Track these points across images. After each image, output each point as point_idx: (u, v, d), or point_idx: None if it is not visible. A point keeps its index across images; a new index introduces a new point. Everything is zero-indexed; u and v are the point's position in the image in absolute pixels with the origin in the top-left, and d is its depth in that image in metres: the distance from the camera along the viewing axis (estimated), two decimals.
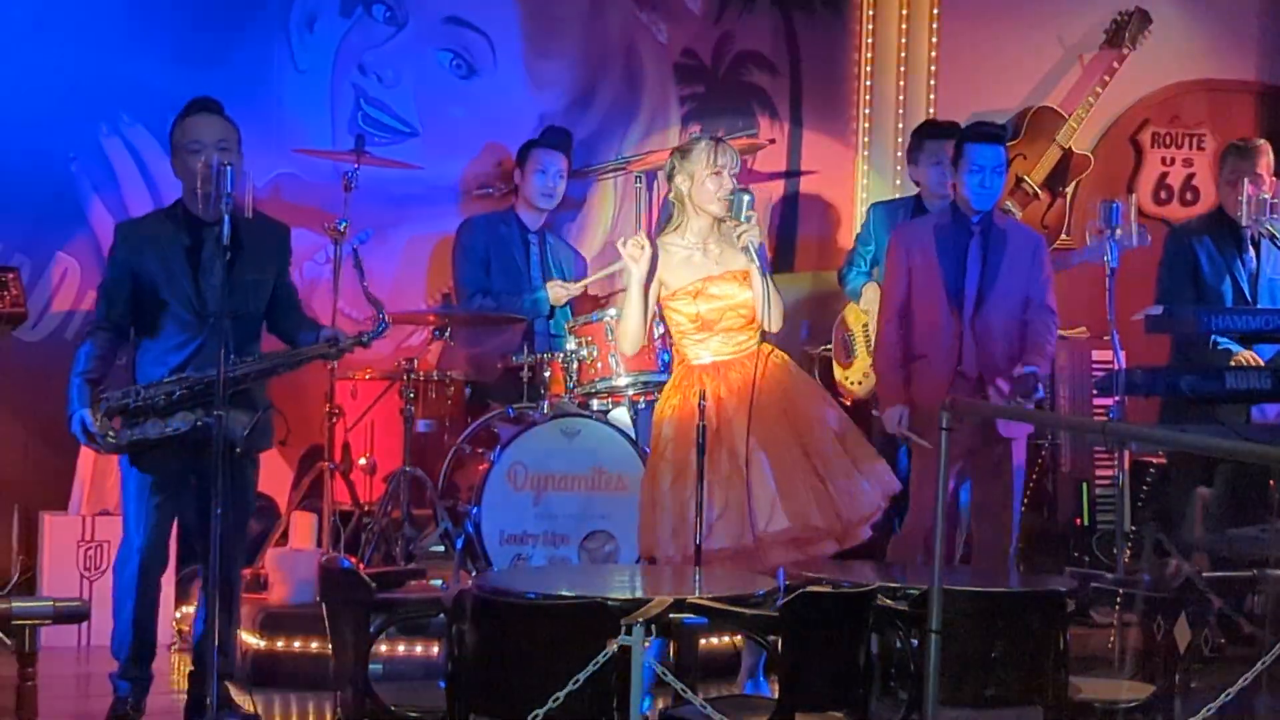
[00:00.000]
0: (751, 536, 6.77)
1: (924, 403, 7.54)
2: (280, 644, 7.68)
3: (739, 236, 6.89)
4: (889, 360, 7.69)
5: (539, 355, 8.41)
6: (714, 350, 7.03)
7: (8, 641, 7.33)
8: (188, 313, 6.76)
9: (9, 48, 8.77)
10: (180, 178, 6.86)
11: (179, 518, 6.95)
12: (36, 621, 6.32)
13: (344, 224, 8.30)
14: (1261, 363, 7.99)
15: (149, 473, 6.75)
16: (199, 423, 6.56)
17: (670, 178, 7.04)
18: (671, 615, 5.59)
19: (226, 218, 6.37)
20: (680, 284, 6.98)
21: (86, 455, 8.26)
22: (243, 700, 6.89)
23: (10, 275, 8.40)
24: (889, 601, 5.76)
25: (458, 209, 9.52)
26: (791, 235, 10.09)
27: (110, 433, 6.63)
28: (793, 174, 10.08)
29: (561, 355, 8.28)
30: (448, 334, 8.70)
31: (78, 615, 6.58)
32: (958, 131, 7.99)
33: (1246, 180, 8.21)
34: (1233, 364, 7.92)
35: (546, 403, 8.20)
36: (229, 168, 6.44)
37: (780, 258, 9.90)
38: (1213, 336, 8.17)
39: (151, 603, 6.88)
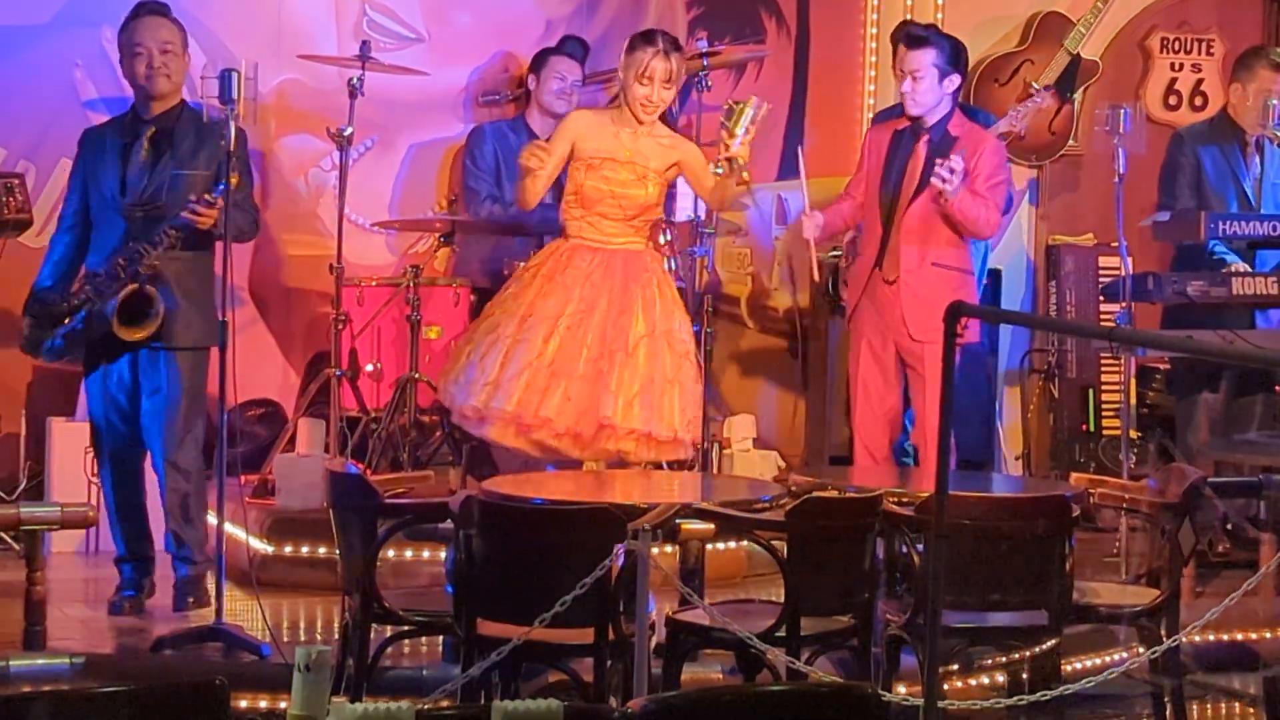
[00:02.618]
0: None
1: (850, 299, 7.85)
2: (288, 549, 7.71)
3: (724, 148, 6.98)
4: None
5: None
6: (586, 234, 7.24)
7: (16, 546, 7.39)
8: (111, 209, 7.17)
9: None
10: (127, 79, 7.32)
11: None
12: (44, 526, 6.37)
13: (349, 130, 8.27)
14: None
15: (85, 368, 7.25)
16: (90, 316, 6.98)
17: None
18: (679, 520, 5.62)
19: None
20: (584, 153, 7.21)
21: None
22: (251, 604, 6.94)
23: (16, 181, 8.40)
24: (895, 506, 5.78)
25: (465, 116, 9.48)
26: (798, 143, 10.05)
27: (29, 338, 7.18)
28: (799, 81, 10.03)
29: None
30: (453, 239, 8.68)
31: (84, 520, 6.62)
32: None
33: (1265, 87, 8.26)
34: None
35: None
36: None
37: (787, 165, 9.87)
38: (1210, 244, 8.19)
39: (122, 486, 7.27)
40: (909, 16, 9.68)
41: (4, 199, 8.32)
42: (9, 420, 8.51)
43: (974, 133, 7.81)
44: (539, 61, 9.07)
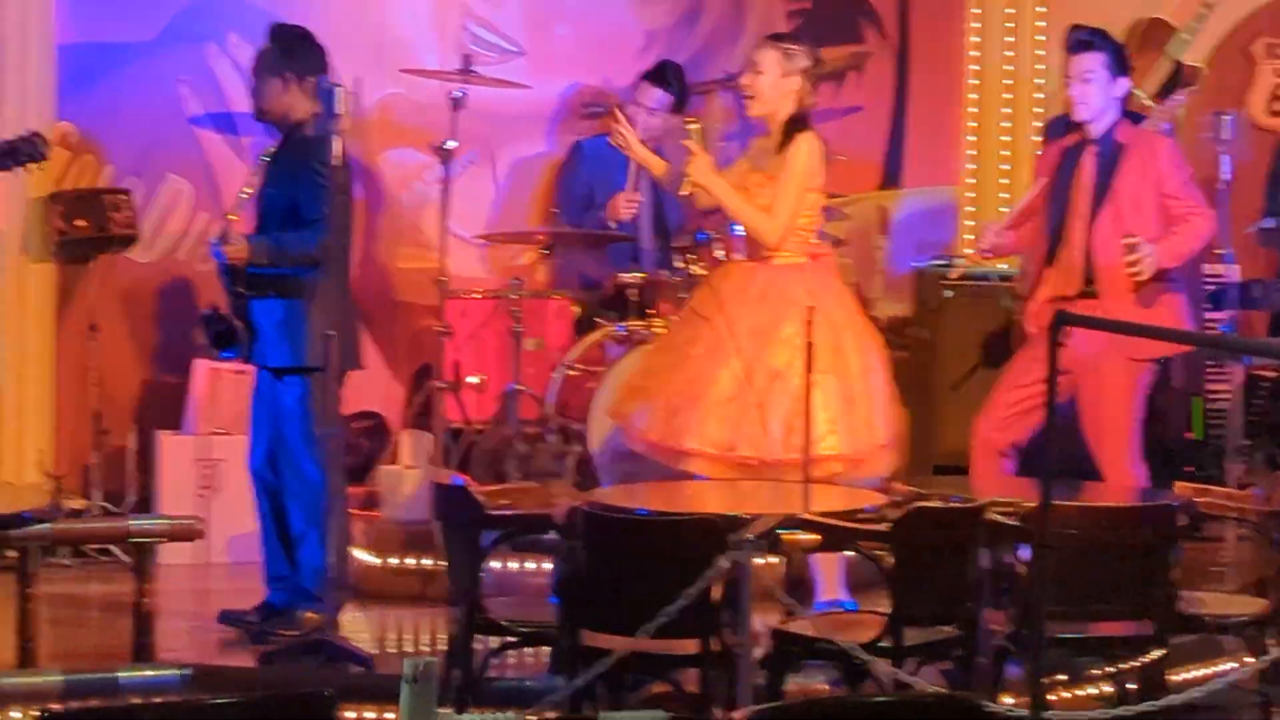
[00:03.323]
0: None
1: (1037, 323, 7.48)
2: (394, 561, 7.76)
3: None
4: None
5: (648, 273, 8.46)
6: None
7: (126, 559, 7.48)
8: None
9: None
10: None
11: None
12: (153, 539, 6.44)
13: (451, 144, 8.31)
14: None
15: None
16: None
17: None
18: (780, 530, 5.61)
19: None
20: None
21: (201, 375, 8.35)
22: (359, 616, 6.99)
23: (123, 198, 8.52)
24: (999, 516, 5.76)
25: (564, 128, 9.51)
26: (899, 151, 10.03)
27: None
28: (899, 90, 10.00)
29: (670, 273, 8.30)
30: (555, 252, 8.72)
31: (192, 533, 6.69)
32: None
33: None
34: None
35: (655, 321, 8.22)
36: None
37: (889, 172, 9.87)
38: None
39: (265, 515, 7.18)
40: (1009, 25, 9.64)
41: (111, 214, 8.45)
42: (118, 434, 8.59)
43: (1142, 137, 7.55)
44: (636, 82, 9.10)
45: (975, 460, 7.39)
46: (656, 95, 9.00)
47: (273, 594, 7.24)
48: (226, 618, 7.28)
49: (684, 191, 7.23)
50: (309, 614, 7.01)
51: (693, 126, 7.19)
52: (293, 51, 7.24)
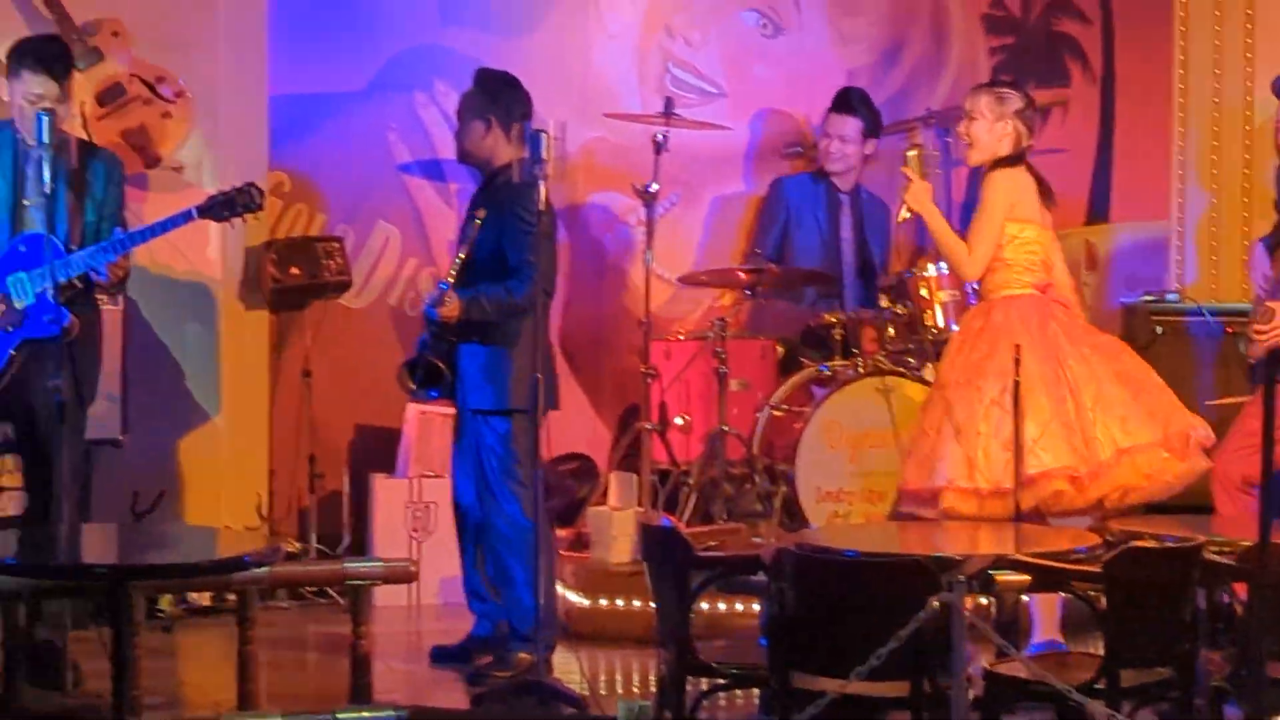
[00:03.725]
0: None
1: None
2: (603, 602, 7.80)
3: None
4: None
5: (851, 313, 8.46)
6: None
7: (341, 600, 7.59)
8: None
9: (329, 23, 8.99)
10: None
11: None
12: (369, 581, 6.52)
13: (654, 186, 8.37)
14: None
15: None
16: None
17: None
18: (993, 572, 5.58)
19: None
20: None
21: (413, 418, 8.47)
22: (570, 657, 7.04)
23: (335, 245, 8.68)
24: (1216, 556, 5.68)
25: (766, 168, 9.54)
26: (1106, 185, 9.94)
27: None
28: (1106, 124, 9.92)
29: (874, 312, 8.29)
30: (757, 293, 8.74)
31: (407, 575, 6.77)
32: None
33: None
34: None
35: (860, 361, 8.21)
36: None
37: (1095, 207, 9.80)
38: None
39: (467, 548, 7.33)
40: (1216, 57, 9.51)
41: (324, 262, 8.60)
42: (333, 477, 8.74)
43: None
44: (825, 117, 9.11)
45: (1215, 494, 7.28)
46: (847, 123, 9.01)
47: (478, 625, 7.33)
48: (438, 654, 7.38)
49: (900, 218, 7.27)
50: (521, 654, 7.08)
51: (911, 154, 7.23)
52: (498, 96, 7.34)
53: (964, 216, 7.58)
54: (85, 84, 8.31)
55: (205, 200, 6.93)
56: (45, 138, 6.43)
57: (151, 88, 8.49)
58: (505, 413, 7.15)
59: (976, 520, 6.74)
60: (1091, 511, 6.83)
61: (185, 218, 6.85)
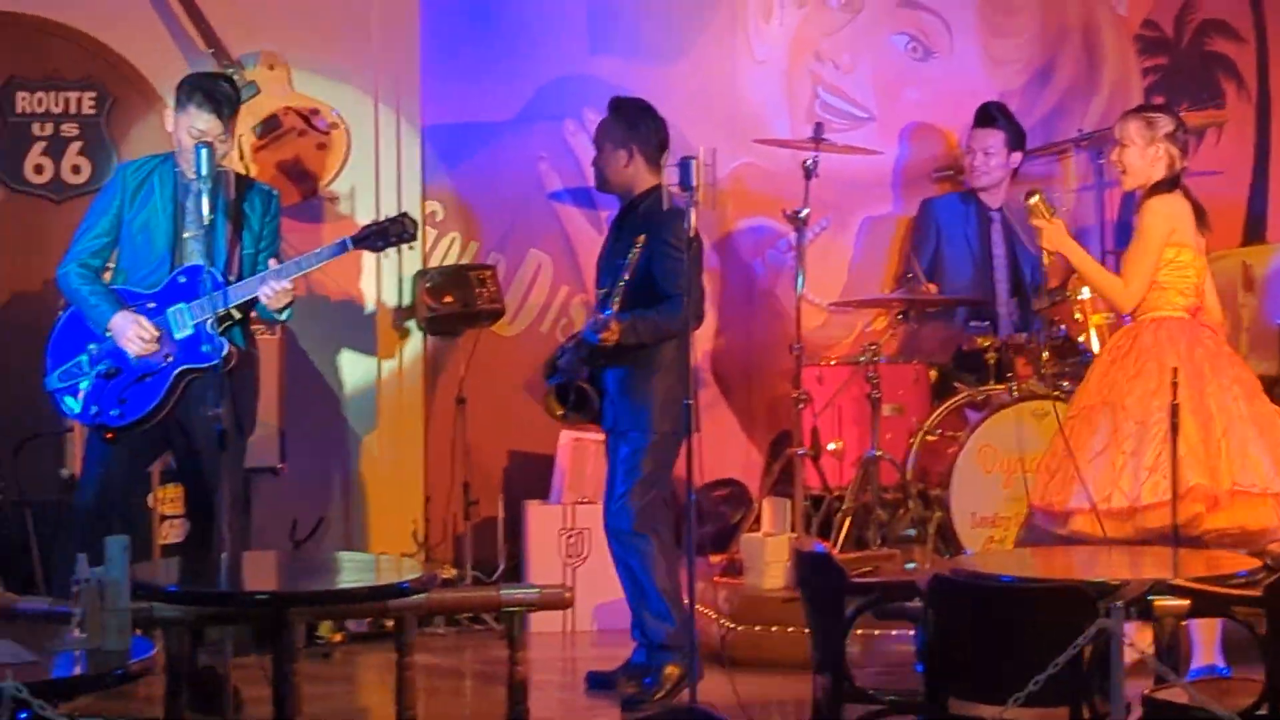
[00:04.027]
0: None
1: None
2: (757, 628, 7.80)
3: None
4: None
5: (1006, 336, 8.42)
6: None
7: (497, 627, 7.64)
8: None
9: (480, 53, 9.08)
10: None
11: None
12: (525, 608, 6.54)
13: (804, 211, 8.38)
14: None
15: None
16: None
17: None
18: (1151, 597, 5.53)
19: None
20: None
21: (566, 445, 8.52)
22: (725, 684, 7.04)
23: (488, 273, 8.75)
24: None
25: (916, 190, 9.52)
26: (1263, 205, 9.83)
27: None
28: (1261, 144, 9.81)
29: (1029, 335, 8.25)
30: (910, 317, 8.72)
31: (562, 602, 6.80)
32: None
33: None
34: None
35: (1014, 384, 8.17)
36: None
37: (1252, 227, 9.70)
38: None
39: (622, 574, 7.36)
40: None
41: (477, 289, 8.67)
42: (487, 504, 8.80)
43: None
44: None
45: None
46: (990, 136, 8.98)
47: (636, 652, 7.35)
48: (593, 680, 7.41)
49: (1045, 261, 7.28)
50: (669, 666, 7.12)
51: (1032, 201, 7.22)
52: (636, 124, 7.37)
53: (1119, 236, 7.55)
54: (243, 117, 8.44)
55: (359, 231, 7.02)
56: (204, 170, 6.54)
57: (306, 120, 8.62)
58: (643, 431, 7.20)
59: (1107, 542, 6.71)
60: (1215, 540, 6.77)
61: (340, 249, 6.93)
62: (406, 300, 8.79)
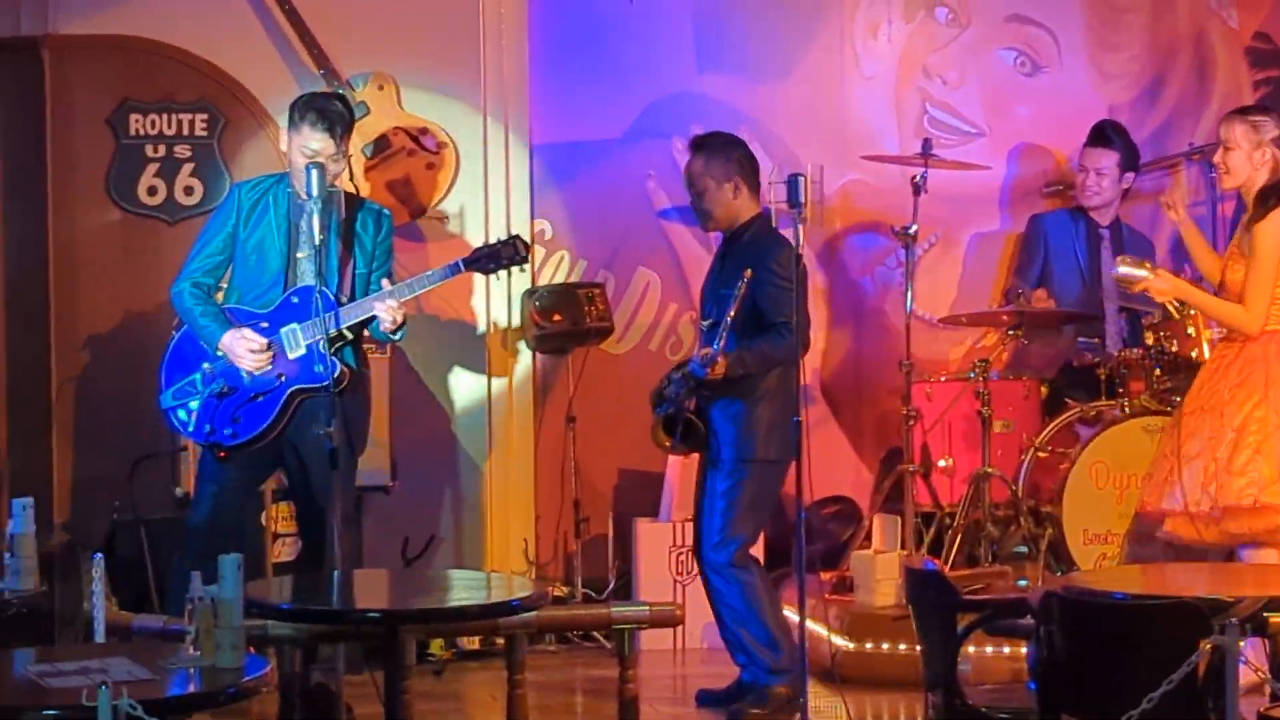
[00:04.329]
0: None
1: None
2: (868, 645, 7.78)
3: None
4: None
5: (1117, 351, 8.36)
6: None
7: (608, 644, 7.65)
8: None
9: (588, 72, 9.11)
10: None
11: None
12: (635, 625, 6.56)
13: (913, 228, 8.35)
14: None
15: None
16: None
17: None
18: (1267, 613, 5.48)
19: None
20: None
21: (675, 463, 8.53)
22: (836, 701, 7.03)
23: (597, 291, 8.77)
24: None
25: (1025, 206, 9.47)
26: None
27: None
28: None
29: (1140, 351, 8.19)
30: (1020, 332, 8.68)
31: (672, 619, 6.81)
32: None
33: None
34: None
35: (1126, 400, 8.12)
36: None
37: None
38: None
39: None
40: None
41: (586, 308, 8.70)
42: (597, 521, 8.82)
43: None
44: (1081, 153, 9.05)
45: None
46: (1104, 157, 8.93)
47: (745, 672, 7.35)
48: (703, 699, 7.41)
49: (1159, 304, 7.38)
50: (777, 688, 7.11)
51: (1119, 273, 7.18)
52: (732, 155, 7.35)
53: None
54: (353, 137, 8.52)
55: (472, 253, 7.05)
56: (314, 190, 6.60)
57: (416, 139, 8.67)
58: (746, 461, 7.20)
59: (1199, 544, 6.70)
60: None
61: (452, 270, 6.97)
62: (516, 319, 8.82)
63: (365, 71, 8.64)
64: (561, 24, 9.08)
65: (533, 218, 8.94)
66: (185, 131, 8.62)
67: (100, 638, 5.53)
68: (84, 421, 8.50)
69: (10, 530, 5.94)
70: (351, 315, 6.85)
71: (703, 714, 7.33)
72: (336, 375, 6.74)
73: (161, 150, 8.61)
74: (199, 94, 8.62)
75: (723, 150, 7.36)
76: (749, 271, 7.01)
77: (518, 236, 7.04)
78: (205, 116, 8.62)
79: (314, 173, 6.60)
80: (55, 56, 8.52)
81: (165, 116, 8.61)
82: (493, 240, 7.18)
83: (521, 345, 8.85)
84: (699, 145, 7.41)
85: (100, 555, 5.73)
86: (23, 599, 5.90)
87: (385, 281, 6.88)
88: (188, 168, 8.62)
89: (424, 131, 8.70)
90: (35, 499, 6.05)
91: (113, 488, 8.07)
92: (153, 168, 8.60)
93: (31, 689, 4.68)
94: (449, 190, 8.75)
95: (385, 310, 6.80)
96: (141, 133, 8.60)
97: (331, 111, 6.94)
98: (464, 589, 6.62)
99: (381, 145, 8.65)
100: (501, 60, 8.83)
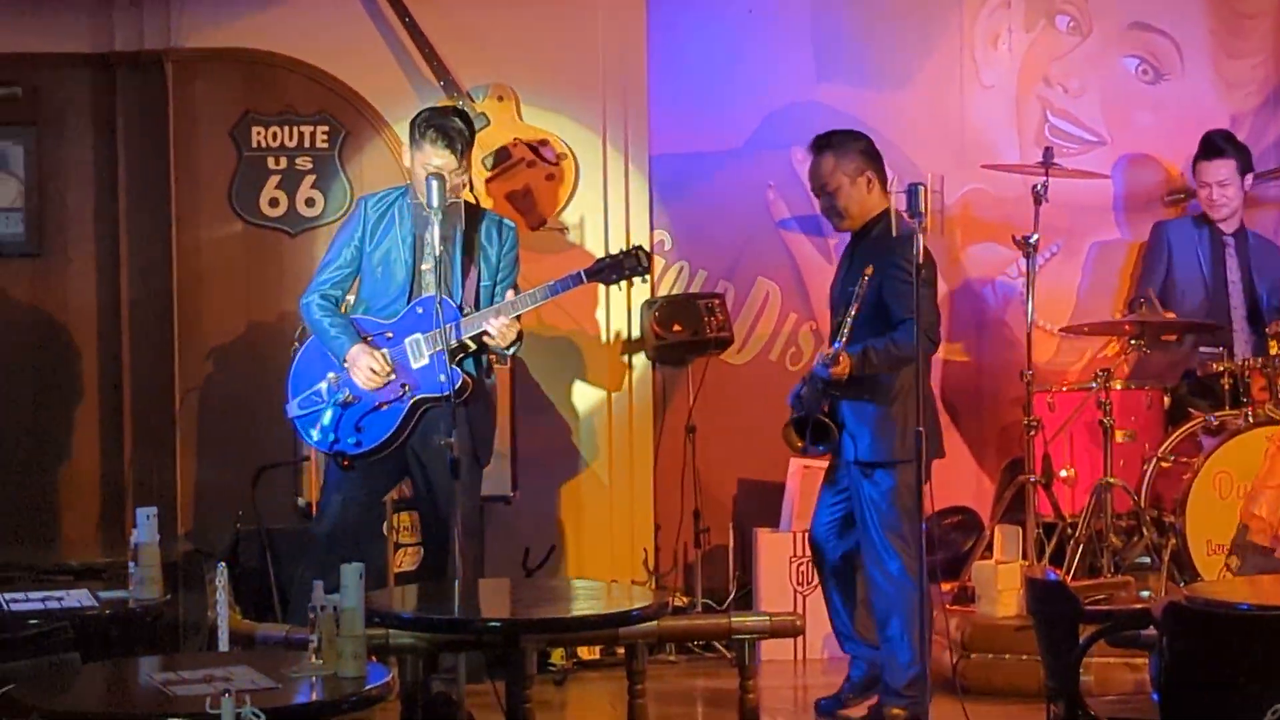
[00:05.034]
0: None
1: None
2: (990, 656, 7.73)
3: None
4: None
5: (1241, 360, 8.28)
6: None
7: (728, 654, 7.65)
8: None
9: (707, 83, 9.11)
10: None
11: None
12: (755, 635, 6.56)
13: (1034, 237, 8.29)
14: None
15: None
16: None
17: None
18: None
19: None
20: None
21: (795, 473, 8.52)
22: (956, 711, 6.99)
23: (717, 302, 8.77)
24: None
25: (1147, 214, 9.39)
26: None
27: None
28: None
29: (1264, 360, 8.10)
30: (1142, 342, 8.61)
31: (792, 629, 6.80)
32: None
33: None
34: None
35: (1250, 409, 8.03)
36: None
37: None
38: None
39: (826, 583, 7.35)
40: None
41: (706, 318, 8.70)
42: (717, 531, 8.82)
43: None
44: (1193, 165, 8.96)
45: None
46: (1221, 167, 8.83)
47: (854, 666, 7.33)
48: (823, 706, 7.39)
49: None
50: (894, 710, 7.08)
51: None
52: (855, 149, 7.33)
53: None
54: (474, 149, 8.57)
55: (593, 264, 7.08)
56: (435, 201, 6.63)
57: (535, 151, 8.71)
58: (889, 465, 7.14)
59: None
60: None
61: (574, 281, 7.00)
62: (635, 330, 8.84)
63: (485, 83, 8.68)
64: (680, 35, 9.10)
65: (652, 229, 8.95)
66: (306, 143, 8.71)
67: (224, 646, 5.58)
68: (207, 432, 8.60)
69: (135, 540, 6.01)
70: (471, 327, 6.89)
71: None
72: (459, 386, 6.78)
73: (283, 162, 8.70)
74: (320, 106, 8.70)
75: (850, 145, 7.32)
76: (869, 269, 6.98)
77: (639, 247, 7.06)
78: (326, 128, 8.70)
79: (434, 184, 6.64)
80: (178, 70, 8.63)
81: (286, 128, 8.70)
82: (614, 251, 7.19)
83: (641, 356, 8.86)
84: (824, 144, 7.37)
85: (224, 564, 5.78)
86: (147, 608, 5.98)
87: (509, 293, 6.92)
88: (309, 179, 8.70)
89: (543, 143, 8.73)
90: (159, 509, 6.13)
91: (236, 497, 8.14)
92: (274, 180, 8.69)
93: (157, 697, 4.73)
94: (568, 201, 8.78)
95: (496, 327, 6.83)
96: (263, 145, 8.69)
97: (452, 129, 6.99)
98: (584, 599, 6.64)
99: (501, 157, 8.69)
100: (620, 71, 8.85)
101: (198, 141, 8.66)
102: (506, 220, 7.27)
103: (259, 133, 8.69)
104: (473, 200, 8.04)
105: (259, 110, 8.70)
